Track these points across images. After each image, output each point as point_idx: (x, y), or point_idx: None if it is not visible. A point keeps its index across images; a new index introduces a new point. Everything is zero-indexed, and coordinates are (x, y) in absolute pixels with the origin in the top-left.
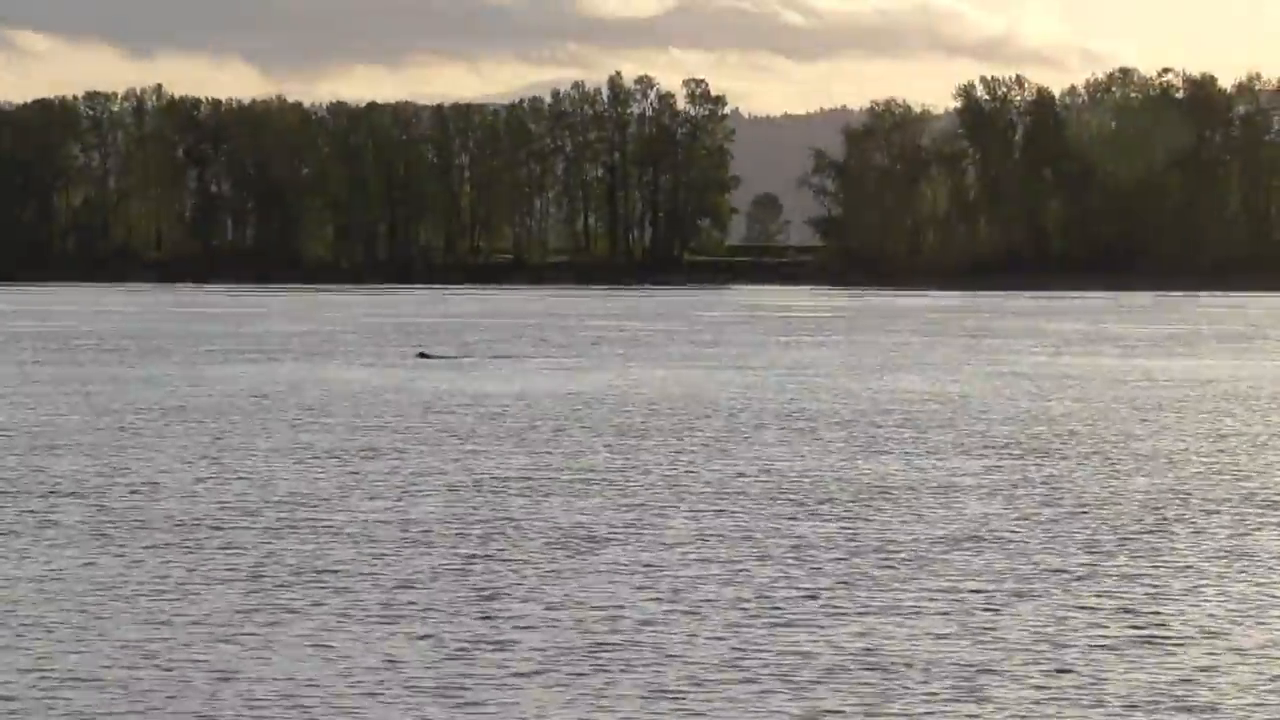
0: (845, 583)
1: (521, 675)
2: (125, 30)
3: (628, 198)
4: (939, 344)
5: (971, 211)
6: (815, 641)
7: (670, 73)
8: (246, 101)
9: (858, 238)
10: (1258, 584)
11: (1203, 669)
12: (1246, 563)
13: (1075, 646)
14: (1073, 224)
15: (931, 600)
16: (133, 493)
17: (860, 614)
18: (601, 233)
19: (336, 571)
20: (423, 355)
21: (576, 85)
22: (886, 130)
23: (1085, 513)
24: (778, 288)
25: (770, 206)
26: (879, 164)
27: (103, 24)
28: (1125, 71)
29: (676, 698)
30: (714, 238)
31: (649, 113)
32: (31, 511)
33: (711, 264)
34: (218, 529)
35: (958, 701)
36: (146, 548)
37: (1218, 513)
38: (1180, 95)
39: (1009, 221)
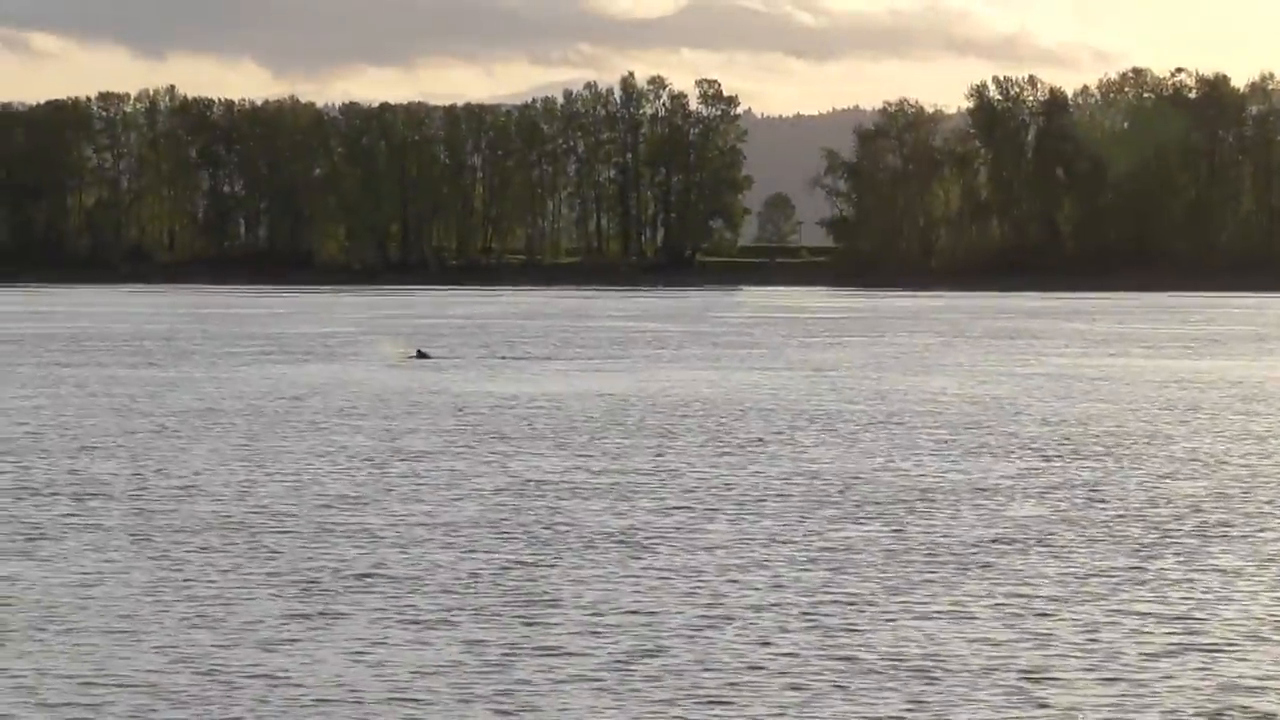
0: (891, 586)
1: (568, 680)
2: (138, 31)
3: (640, 198)
4: (960, 345)
5: (984, 212)
6: (862, 646)
7: (682, 73)
8: (259, 102)
9: (870, 238)
10: None
11: (1257, 675)
12: None
13: (1124, 652)
14: (1085, 224)
15: (979, 604)
16: (171, 495)
17: (907, 617)
18: (614, 233)
19: (379, 575)
20: (421, 355)
21: (589, 86)
22: (899, 130)
23: (1128, 515)
24: (790, 288)
25: (782, 207)
26: (891, 164)
27: (115, 25)
28: (1138, 71)
29: (724, 703)
30: (726, 238)
31: (661, 113)
32: (70, 514)
33: (724, 265)
34: (258, 532)
35: (1006, 706)
36: (188, 551)
37: (1261, 515)
38: (1193, 95)
39: (1021, 222)
